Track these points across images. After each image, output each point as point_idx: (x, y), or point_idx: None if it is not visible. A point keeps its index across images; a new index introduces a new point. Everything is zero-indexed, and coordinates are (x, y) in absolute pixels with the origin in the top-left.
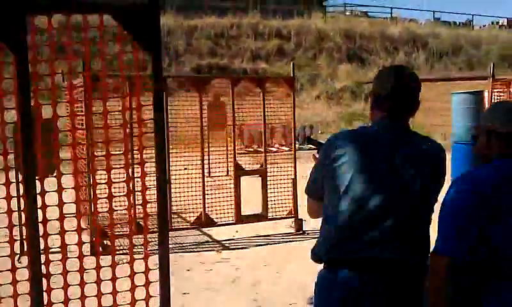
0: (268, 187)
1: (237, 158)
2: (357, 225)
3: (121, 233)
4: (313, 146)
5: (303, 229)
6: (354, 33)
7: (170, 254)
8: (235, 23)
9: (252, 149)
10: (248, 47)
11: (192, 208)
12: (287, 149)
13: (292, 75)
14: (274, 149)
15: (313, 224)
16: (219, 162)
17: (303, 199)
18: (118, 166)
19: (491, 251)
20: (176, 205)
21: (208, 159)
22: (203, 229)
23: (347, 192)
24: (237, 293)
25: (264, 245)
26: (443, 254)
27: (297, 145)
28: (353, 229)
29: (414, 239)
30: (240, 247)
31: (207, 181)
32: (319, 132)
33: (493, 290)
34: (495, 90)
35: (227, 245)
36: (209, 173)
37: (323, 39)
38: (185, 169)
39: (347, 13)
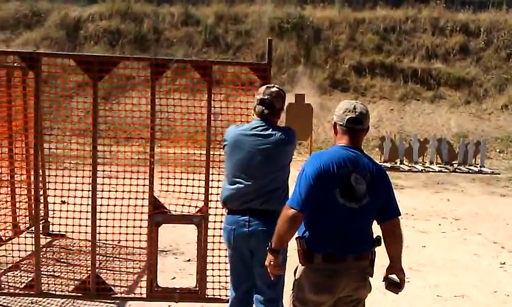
0: (214, 244)
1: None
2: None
3: None
4: None
5: None
6: None
7: None
8: (410, 17)
9: None
10: (423, 43)
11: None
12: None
13: (267, 59)
14: None
15: None
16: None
17: None
18: None
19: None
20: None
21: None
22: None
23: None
24: None
25: None
26: (290, 206)
27: (454, 165)
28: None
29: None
30: None
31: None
32: (497, 150)
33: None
34: None
35: None
36: None
37: None
38: (63, 202)
39: None
